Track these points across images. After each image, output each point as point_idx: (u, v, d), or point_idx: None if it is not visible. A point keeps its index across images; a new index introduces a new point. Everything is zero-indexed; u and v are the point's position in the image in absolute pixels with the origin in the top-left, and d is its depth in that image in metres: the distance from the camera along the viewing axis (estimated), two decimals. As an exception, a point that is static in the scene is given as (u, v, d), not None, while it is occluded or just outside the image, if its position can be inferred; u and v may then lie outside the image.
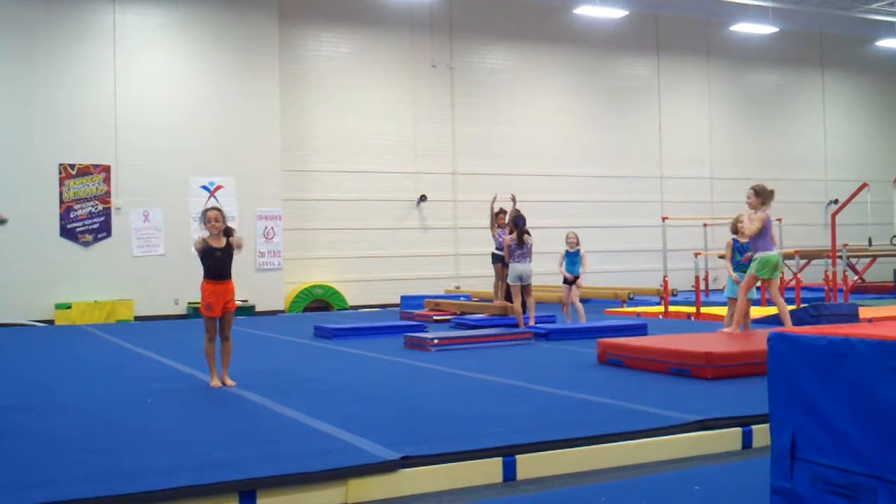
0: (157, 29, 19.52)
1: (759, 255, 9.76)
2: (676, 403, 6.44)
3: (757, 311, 14.00)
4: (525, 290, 12.93)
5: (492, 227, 14.60)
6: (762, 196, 9.75)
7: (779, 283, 10.09)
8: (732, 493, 4.55)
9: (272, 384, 8.12)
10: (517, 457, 5.14)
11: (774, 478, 3.67)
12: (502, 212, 14.40)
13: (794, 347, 3.57)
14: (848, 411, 3.32)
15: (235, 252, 8.02)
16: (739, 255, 10.73)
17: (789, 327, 9.53)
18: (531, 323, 12.77)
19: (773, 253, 9.76)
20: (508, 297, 13.65)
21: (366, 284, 21.58)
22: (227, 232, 8.04)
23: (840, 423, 3.36)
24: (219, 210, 8.02)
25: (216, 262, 7.93)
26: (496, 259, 14.50)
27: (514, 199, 14.00)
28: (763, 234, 9.66)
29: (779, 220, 18.26)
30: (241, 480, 4.54)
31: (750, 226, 9.66)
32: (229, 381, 8.05)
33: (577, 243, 13.70)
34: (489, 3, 23.24)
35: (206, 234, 8.01)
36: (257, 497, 4.53)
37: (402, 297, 19.37)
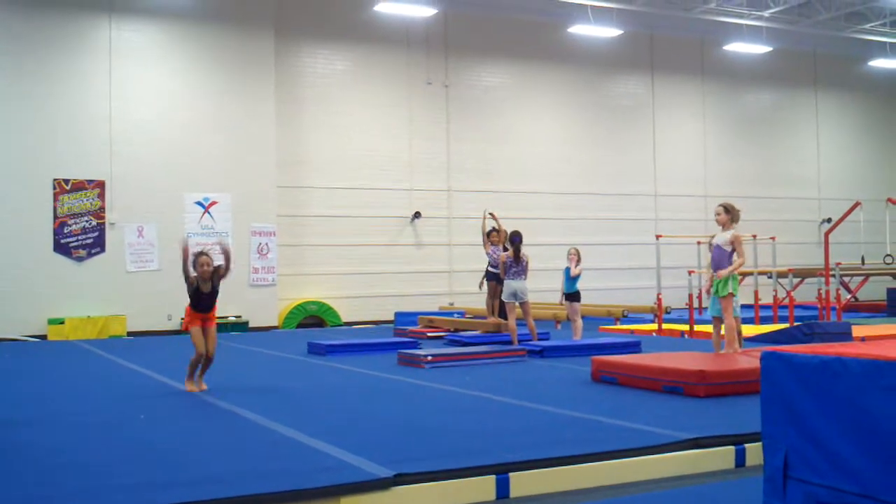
0: (153, 45, 19.55)
1: (726, 271, 9.74)
2: (670, 421, 6.44)
3: (748, 330, 14.03)
4: (524, 309, 12.92)
5: (484, 244, 14.60)
6: (732, 213, 9.82)
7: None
8: (726, 512, 4.55)
9: (266, 400, 8.11)
10: (511, 474, 5.14)
11: (767, 496, 3.68)
12: (494, 230, 14.42)
13: (788, 366, 3.58)
14: (841, 430, 3.33)
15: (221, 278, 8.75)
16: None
17: (738, 348, 9.61)
18: (535, 341, 12.73)
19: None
20: (503, 314, 13.65)
21: (360, 301, 21.56)
22: (216, 272, 8.69)
23: (833, 442, 3.37)
24: (207, 255, 8.69)
25: (201, 300, 8.70)
26: (490, 276, 14.50)
27: (494, 217, 14.33)
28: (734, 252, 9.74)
29: (772, 238, 18.34)
30: (236, 497, 4.53)
31: (739, 248, 9.69)
32: (203, 385, 8.88)
33: (571, 260, 13.64)
34: (484, 22, 23.34)
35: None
36: (250, 514, 4.52)
37: (396, 314, 19.37)
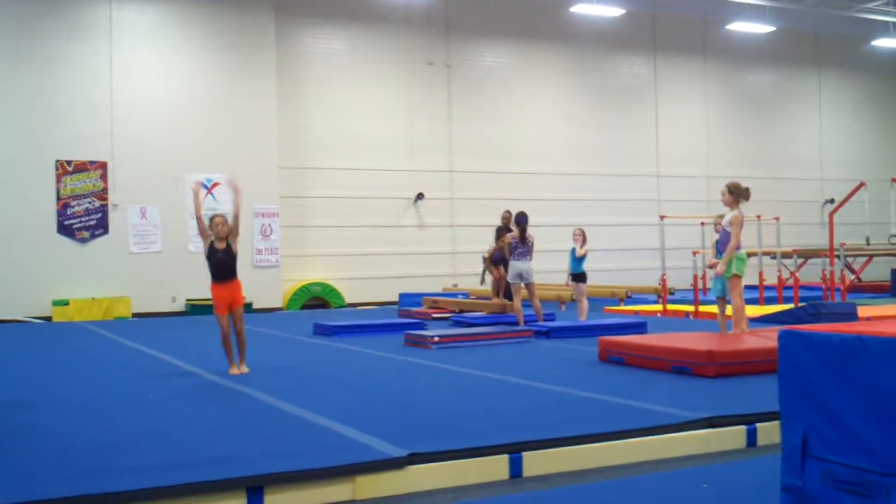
0: (154, 25, 19.47)
1: (735, 253, 9.70)
2: (680, 401, 6.44)
3: (752, 310, 14.04)
4: (529, 290, 12.91)
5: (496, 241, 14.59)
6: (735, 194, 9.75)
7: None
8: (740, 491, 4.56)
9: (275, 381, 8.12)
10: (524, 454, 5.15)
11: (785, 475, 3.67)
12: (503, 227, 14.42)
13: (806, 345, 3.57)
14: (860, 409, 3.32)
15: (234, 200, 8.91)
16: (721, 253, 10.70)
17: (744, 329, 9.58)
18: (540, 322, 12.73)
19: (743, 250, 9.79)
20: (508, 296, 13.64)
21: (363, 282, 21.57)
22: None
23: (852, 420, 3.36)
24: (223, 216, 8.90)
25: (218, 262, 8.69)
26: (496, 261, 14.49)
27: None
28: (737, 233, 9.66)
29: (776, 218, 18.30)
30: (249, 477, 4.53)
31: (736, 230, 9.60)
32: (243, 368, 8.75)
33: (576, 240, 13.62)
34: (486, 1, 23.23)
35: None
36: (265, 493, 4.53)
37: (401, 295, 19.37)
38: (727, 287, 9.84)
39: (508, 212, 14.27)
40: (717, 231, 10.87)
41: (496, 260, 14.49)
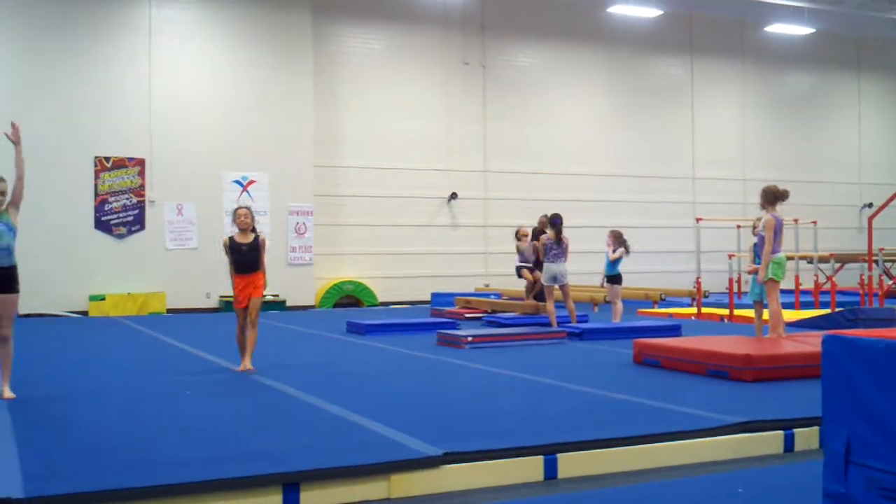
0: (193, 23, 19.63)
1: (772, 257, 9.60)
2: (716, 405, 6.39)
3: (789, 315, 13.89)
4: (564, 291, 12.85)
5: (517, 249, 14.72)
6: (766, 197, 9.64)
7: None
8: (777, 496, 4.50)
9: (309, 378, 8.15)
10: (559, 455, 5.12)
11: (827, 482, 3.62)
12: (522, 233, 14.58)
13: (851, 350, 3.52)
14: (907, 415, 3.28)
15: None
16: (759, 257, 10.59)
17: (781, 333, 9.46)
18: (573, 323, 12.68)
19: (782, 254, 9.68)
20: (540, 297, 13.61)
21: (395, 281, 21.61)
22: (254, 230, 8.73)
23: (898, 427, 3.31)
24: (248, 208, 8.78)
25: (241, 256, 8.58)
26: (521, 267, 14.60)
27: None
28: (774, 236, 9.54)
29: (813, 222, 18.13)
30: (286, 473, 4.55)
31: (769, 234, 9.51)
32: (249, 366, 8.52)
33: (610, 243, 13.54)
34: (522, 1, 23.18)
35: (235, 231, 8.70)
36: (301, 490, 4.54)
37: (433, 294, 19.37)
38: (764, 291, 9.74)
39: (545, 216, 14.26)
40: (754, 235, 10.77)
41: (523, 267, 14.53)
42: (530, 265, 14.36)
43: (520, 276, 14.81)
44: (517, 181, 22.77)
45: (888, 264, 19.41)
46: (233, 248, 8.57)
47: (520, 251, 14.54)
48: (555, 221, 12.77)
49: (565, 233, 12.85)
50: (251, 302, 8.56)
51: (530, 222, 15.28)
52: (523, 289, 15.31)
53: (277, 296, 19.38)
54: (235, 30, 19.98)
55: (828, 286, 17.43)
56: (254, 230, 8.70)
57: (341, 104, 21.35)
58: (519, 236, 14.59)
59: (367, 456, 4.84)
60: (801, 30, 25.00)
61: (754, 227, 10.70)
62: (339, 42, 21.47)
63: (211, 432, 5.64)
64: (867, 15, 25.33)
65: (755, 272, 9.92)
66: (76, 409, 6.63)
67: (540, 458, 5.08)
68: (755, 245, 10.47)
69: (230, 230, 8.94)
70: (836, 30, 26.68)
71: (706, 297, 17.01)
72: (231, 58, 19.93)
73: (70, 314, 18.07)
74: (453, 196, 22.25)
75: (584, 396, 7.01)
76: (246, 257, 8.56)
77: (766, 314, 9.95)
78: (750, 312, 15.36)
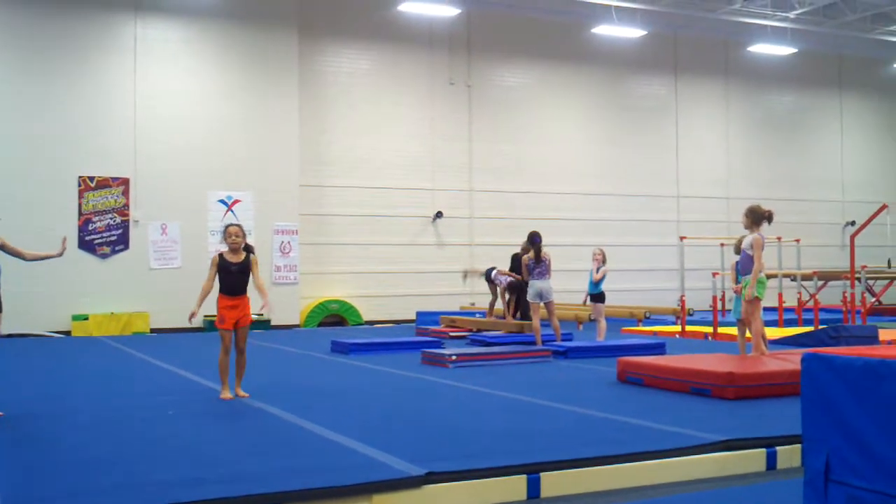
0: (178, 44, 19.64)
1: (747, 277, 9.65)
2: (699, 423, 6.39)
3: (772, 333, 13.94)
4: (549, 309, 12.88)
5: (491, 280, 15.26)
6: (750, 217, 9.70)
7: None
8: (760, 515, 4.51)
9: (292, 398, 8.11)
10: (542, 474, 5.12)
11: (807, 499, 3.64)
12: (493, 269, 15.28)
13: (830, 368, 3.55)
14: (885, 433, 3.29)
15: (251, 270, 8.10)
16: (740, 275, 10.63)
17: (764, 351, 9.51)
18: (558, 341, 12.71)
19: (763, 273, 9.75)
20: (526, 316, 13.70)
21: (380, 300, 21.58)
22: (248, 249, 8.17)
23: (876, 444, 3.33)
24: (239, 226, 8.11)
25: (232, 276, 8.02)
26: (511, 288, 14.94)
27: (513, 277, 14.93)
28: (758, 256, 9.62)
29: (796, 240, 18.21)
30: (268, 494, 4.53)
31: (757, 252, 9.57)
32: (242, 393, 8.12)
33: (595, 262, 13.57)
34: (507, 22, 23.30)
35: (225, 248, 8.14)
36: (283, 511, 4.52)
37: (418, 313, 19.36)
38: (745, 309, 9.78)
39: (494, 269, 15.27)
40: (736, 253, 10.82)
41: (512, 287, 14.71)
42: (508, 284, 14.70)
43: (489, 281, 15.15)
44: (502, 200, 22.83)
45: (870, 282, 19.51)
46: (222, 267, 7.99)
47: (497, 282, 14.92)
48: (534, 240, 12.80)
49: (546, 250, 12.87)
50: (240, 330, 8.07)
51: (515, 240, 15.36)
52: (504, 306, 15.39)
53: (262, 315, 19.28)
54: (221, 50, 20.00)
55: (811, 304, 17.51)
56: (246, 248, 8.13)
57: (327, 123, 21.37)
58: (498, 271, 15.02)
59: (349, 476, 4.82)
60: (783, 50, 25.22)
61: (737, 246, 10.74)
62: (325, 61, 21.51)
63: (194, 453, 5.61)
64: (848, 35, 25.59)
65: (740, 291, 9.95)
66: (58, 430, 6.58)
67: (523, 478, 5.07)
68: (737, 263, 10.52)
69: (219, 249, 8.42)
70: (818, 49, 26.92)
71: (690, 314, 17.06)
72: (217, 77, 19.94)
73: (52, 334, 17.96)
74: (438, 215, 22.27)
75: (568, 415, 7.01)
76: (235, 278, 7.99)
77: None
78: (734, 330, 15.43)
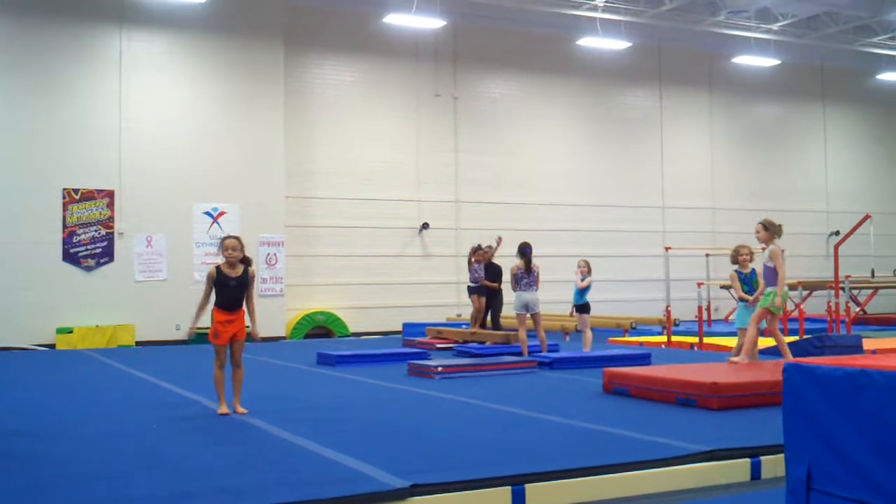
0: (163, 56, 19.61)
1: (771, 289, 9.80)
2: (684, 433, 6.41)
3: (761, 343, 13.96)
4: (535, 320, 12.89)
5: (469, 262, 15.00)
6: (771, 230, 9.85)
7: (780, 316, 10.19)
8: (744, 525, 4.53)
9: (278, 411, 8.09)
10: (526, 486, 5.12)
11: (790, 509, 3.65)
12: (480, 249, 14.88)
13: (810, 378, 3.57)
14: (866, 442, 3.31)
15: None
16: (746, 286, 10.72)
17: (790, 359, 9.57)
18: (544, 352, 12.73)
19: (785, 288, 9.91)
20: (496, 326, 14.00)
21: (367, 311, 21.56)
22: (245, 261, 7.92)
23: (858, 454, 3.35)
24: (237, 239, 7.84)
25: (230, 291, 7.78)
26: (472, 291, 14.90)
27: (499, 242, 15.06)
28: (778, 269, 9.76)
29: (782, 250, 18.27)
30: (252, 507, 4.52)
31: (781, 262, 9.74)
32: (240, 409, 7.88)
33: (579, 273, 13.57)
34: (493, 34, 23.38)
35: (222, 261, 7.92)
36: (267, 524, 4.51)
37: (404, 325, 19.32)
38: (767, 318, 9.95)
39: (489, 247, 14.96)
40: (733, 263, 10.93)
41: (474, 289, 14.74)
42: (476, 285, 14.62)
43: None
44: (488, 211, 22.86)
45: (854, 291, 19.62)
46: (220, 281, 7.72)
47: (470, 270, 14.79)
48: (525, 251, 12.84)
49: (536, 261, 12.90)
50: (236, 345, 7.87)
51: (501, 251, 15.35)
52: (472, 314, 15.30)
53: (248, 327, 19.21)
54: (206, 61, 19.98)
55: (796, 313, 17.59)
56: (244, 260, 7.85)
57: (313, 135, 21.38)
58: (476, 256, 14.79)
59: (333, 489, 4.82)
60: (767, 61, 25.37)
61: (737, 257, 10.81)
62: (311, 73, 21.53)
63: (178, 467, 5.59)
64: (831, 46, 25.78)
65: (754, 304, 10.14)
66: (40, 443, 6.54)
67: (508, 489, 5.07)
68: (738, 273, 10.67)
69: (215, 261, 8.11)
70: (801, 61, 27.10)
71: (676, 325, 17.11)
72: (202, 89, 19.92)
73: (36, 347, 17.86)
74: (425, 226, 22.29)
75: (553, 426, 7.01)
76: (234, 292, 7.76)
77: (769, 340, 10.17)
78: (720, 340, 15.51)
